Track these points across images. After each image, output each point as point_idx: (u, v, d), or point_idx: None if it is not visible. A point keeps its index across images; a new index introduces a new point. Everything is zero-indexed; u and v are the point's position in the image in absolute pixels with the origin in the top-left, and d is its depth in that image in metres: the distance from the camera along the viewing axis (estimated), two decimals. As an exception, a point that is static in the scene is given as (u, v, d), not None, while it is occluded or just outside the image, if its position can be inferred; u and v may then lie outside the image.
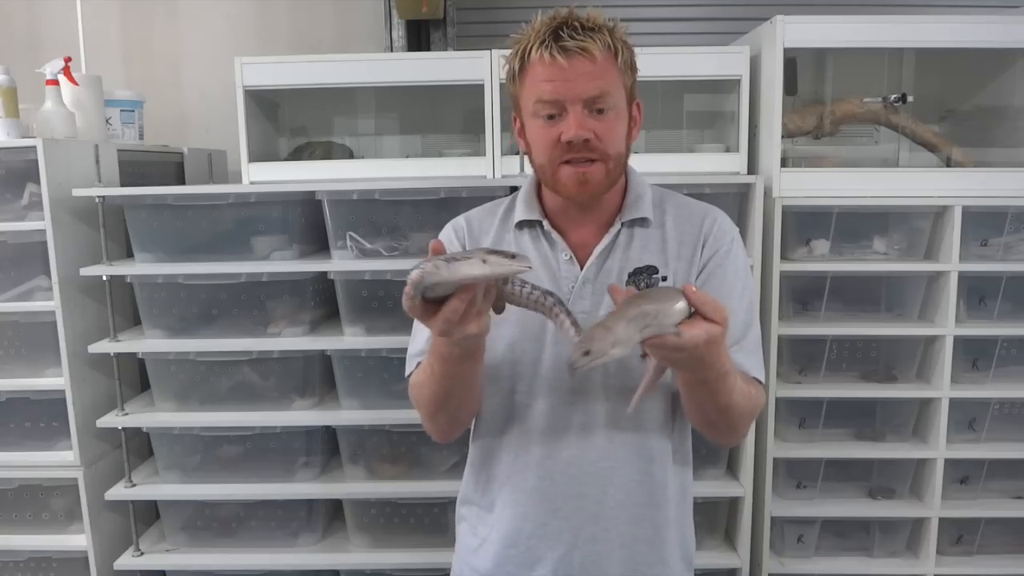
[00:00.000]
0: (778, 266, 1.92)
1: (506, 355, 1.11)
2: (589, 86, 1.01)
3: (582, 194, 1.06)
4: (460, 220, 1.20)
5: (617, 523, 1.10)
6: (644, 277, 1.09)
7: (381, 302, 1.98)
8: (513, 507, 1.13)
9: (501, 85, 1.94)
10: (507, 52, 1.06)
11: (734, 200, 1.95)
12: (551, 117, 1.03)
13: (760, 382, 1.10)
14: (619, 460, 1.10)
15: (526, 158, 1.14)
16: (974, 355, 2.02)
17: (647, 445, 1.11)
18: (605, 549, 1.11)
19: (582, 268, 1.10)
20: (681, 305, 0.86)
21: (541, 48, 1.00)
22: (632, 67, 1.07)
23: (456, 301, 0.85)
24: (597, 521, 1.10)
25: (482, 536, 1.18)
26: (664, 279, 1.10)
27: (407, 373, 1.16)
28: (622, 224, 1.11)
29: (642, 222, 1.12)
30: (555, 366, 1.09)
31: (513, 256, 0.84)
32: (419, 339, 1.14)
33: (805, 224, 1.99)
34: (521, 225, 1.14)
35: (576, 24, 1.01)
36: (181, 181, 2.42)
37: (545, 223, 1.13)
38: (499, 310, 0.93)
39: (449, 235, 1.18)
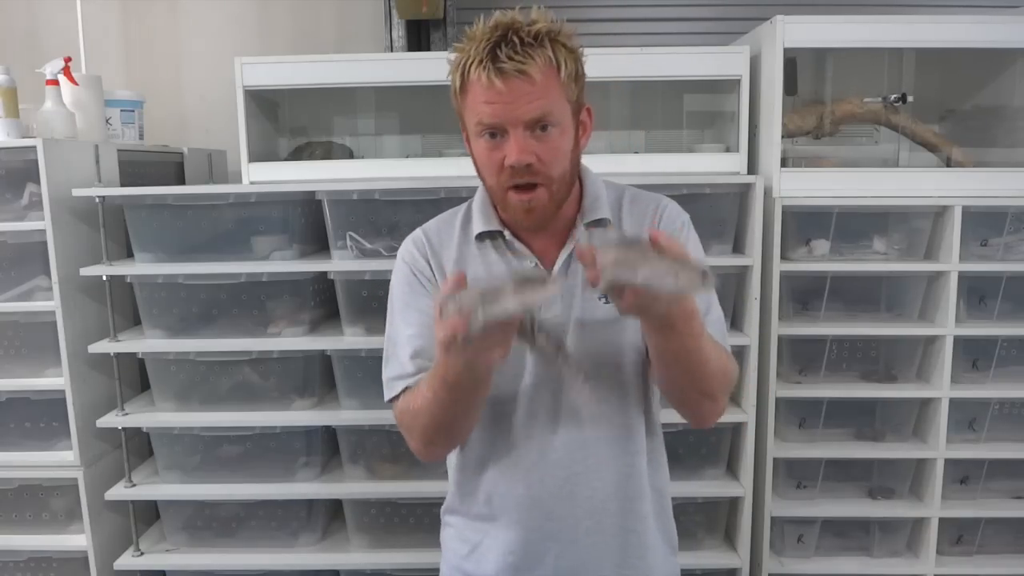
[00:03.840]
0: (778, 266, 1.92)
1: None
2: (529, 108, 0.98)
3: (528, 221, 1.06)
4: (419, 234, 1.19)
5: (609, 514, 1.12)
6: (600, 231, 1.09)
7: (381, 302, 1.96)
8: (506, 515, 1.14)
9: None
10: (450, 54, 1.05)
11: (734, 200, 1.95)
12: (493, 136, 1.01)
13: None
14: (605, 455, 1.12)
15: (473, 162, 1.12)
16: (974, 355, 2.02)
17: (629, 439, 1.13)
18: (600, 540, 1.13)
19: (549, 275, 1.10)
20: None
21: (479, 68, 0.97)
22: (577, 77, 1.03)
23: (496, 337, 0.87)
24: (591, 516, 1.12)
25: (472, 542, 1.19)
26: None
27: (389, 397, 1.16)
28: (583, 226, 1.11)
29: (601, 222, 1.12)
30: (535, 373, 1.10)
31: (542, 280, 0.85)
32: (397, 361, 1.15)
33: (805, 224, 1.99)
34: (482, 236, 1.13)
35: (515, 39, 0.97)
36: (181, 181, 2.42)
37: (506, 233, 1.12)
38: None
39: (411, 252, 1.17)
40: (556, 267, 1.11)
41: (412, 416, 1.09)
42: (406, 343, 1.14)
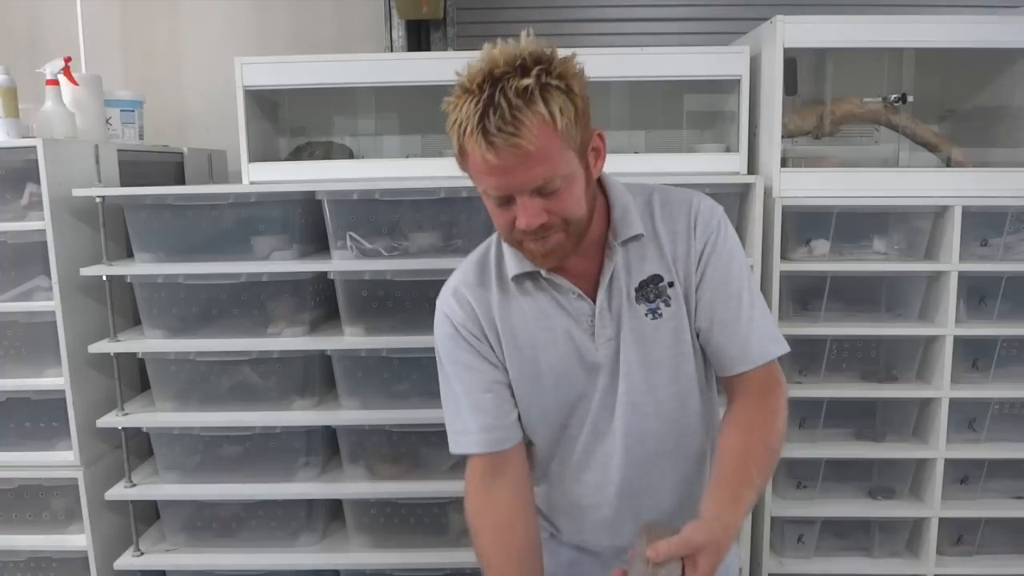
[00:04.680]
0: (778, 266, 1.92)
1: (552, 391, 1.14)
2: (529, 177, 0.95)
3: (548, 263, 1.05)
4: (460, 289, 1.15)
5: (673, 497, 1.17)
6: (651, 288, 1.09)
7: (381, 302, 1.98)
8: (573, 536, 1.22)
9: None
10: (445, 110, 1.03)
11: (734, 200, 1.95)
12: (501, 201, 0.99)
13: (776, 362, 1.13)
14: (667, 468, 1.16)
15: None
16: (974, 355, 2.02)
17: (689, 445, 1.17)
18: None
19: (593, 300, 1.10)
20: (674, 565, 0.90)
21: (472, 140, 0.93)
22: (578, 117, 0.96)
23: None
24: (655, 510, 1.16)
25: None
26: (671, 284, 1.09)
27: (455, 451, 1.16)
28: (618, 246, 1.09)
29: (636, 239, 1.10)
30: (601, 396, 1.12)
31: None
32: (459, 417, 1.16)
33: (805, 224, 1.99)
34: (518, 278, 1.12)
35: (503, 104, 0.90)
36: (181, 181, 2.41)
37: (543, 271, 1.10)
38: None
39: (453, 308, 1.14)
40: (599, 293, 1.10)
41: (473, 538, 1.15)
42: (462, 398, 1.15)
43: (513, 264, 1.11)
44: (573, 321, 1.10)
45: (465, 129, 0.93)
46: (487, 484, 1.13)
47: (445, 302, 1.16)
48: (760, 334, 1.10)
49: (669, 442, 1.14)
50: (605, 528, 1.18)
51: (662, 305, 1.09)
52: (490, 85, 0.92)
